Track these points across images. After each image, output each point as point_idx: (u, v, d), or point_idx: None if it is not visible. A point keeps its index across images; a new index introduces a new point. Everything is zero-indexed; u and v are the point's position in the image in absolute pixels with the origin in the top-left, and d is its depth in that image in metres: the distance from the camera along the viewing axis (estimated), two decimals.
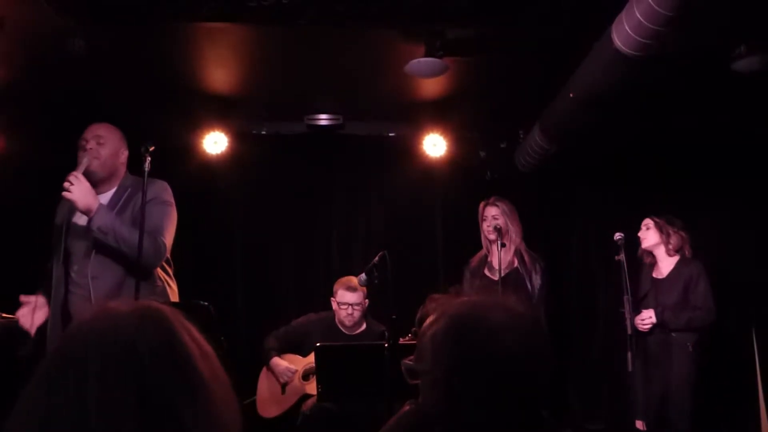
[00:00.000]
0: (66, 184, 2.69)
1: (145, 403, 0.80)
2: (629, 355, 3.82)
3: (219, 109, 4.73)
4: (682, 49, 3.50)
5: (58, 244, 2.88)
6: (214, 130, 4.89)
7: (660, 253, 4.14)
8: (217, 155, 4.95)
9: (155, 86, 4.33)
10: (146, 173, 2.71)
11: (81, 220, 2.85)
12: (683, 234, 4.12)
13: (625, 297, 3.91)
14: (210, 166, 5.00)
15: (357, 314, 4.12)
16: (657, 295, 4.07)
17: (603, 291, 5.13)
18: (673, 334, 3.94)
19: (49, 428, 0.79)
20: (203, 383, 0.86)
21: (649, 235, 4.13)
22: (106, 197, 2.89)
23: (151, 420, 0.80)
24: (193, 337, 0.91)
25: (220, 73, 4.31)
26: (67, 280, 2.84)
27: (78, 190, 2.69)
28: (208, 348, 0.92)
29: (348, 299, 4.10)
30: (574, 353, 5.04)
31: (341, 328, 4.20)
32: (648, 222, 4.16)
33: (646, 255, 4.19)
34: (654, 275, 4.17)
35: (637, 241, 4.17)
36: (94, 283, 2.78)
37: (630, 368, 3.81)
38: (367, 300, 4.15)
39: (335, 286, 4.21)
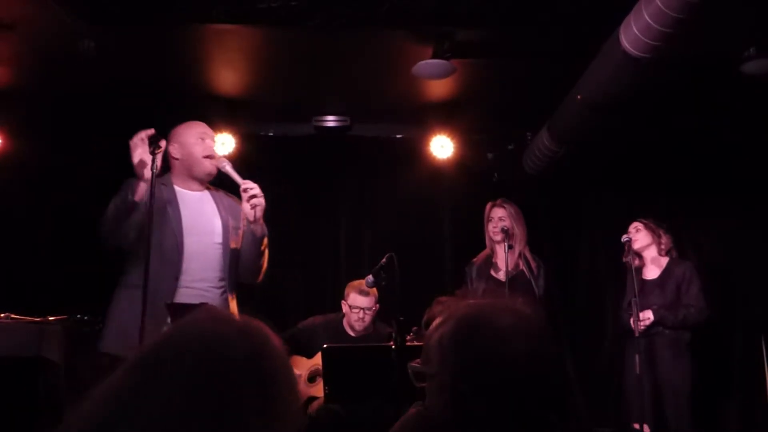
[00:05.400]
0: (261, 197, 3.01)
1: (222, 412, 0.81)
2: (636, 357, 3.81)
3: (227, 111, 4.73)
4: (691, 51, 3.48)
5: (167, 236, 2.86)
6: (221, 132, 4.89)
7: (651, 254, 4.16)
8: (225, 156, 4.94)
9: (164, 87, 4.34)
10: (153, 174, 2.72)
11: (203, 219, 3.04)
12: (671, 236, 4.17)
13: (633, 299, 3.90)
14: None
15: (368, 319, 4.07)
16: (649, 295, 4.06)
17: (611, 293, 5.10)
18: (667, 332, 3.96)
19: (132, 411, 0.80)
20: (279, 408, 0.87)
21: (641, 237, 4.15)
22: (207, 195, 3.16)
23: (221, 427, 0.81)
24: (283, 361, 0.92)
25: (228, 74, 4.32)
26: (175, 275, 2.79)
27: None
28: (293, 376, 0.94)
29: (360, 303, 4.04)
30: (582, 356, 5.01)
31: (348, 331, 4.17)
32: (637, 224, 4.19)
33: (634, 257, 4.16)
34: (643, 277, 4.17)
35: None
36: (228, 283, 2.97)
37: (638, 370, 3.79)
38: (378, 305, 4.10)
39: (347, 290, 4.14)
